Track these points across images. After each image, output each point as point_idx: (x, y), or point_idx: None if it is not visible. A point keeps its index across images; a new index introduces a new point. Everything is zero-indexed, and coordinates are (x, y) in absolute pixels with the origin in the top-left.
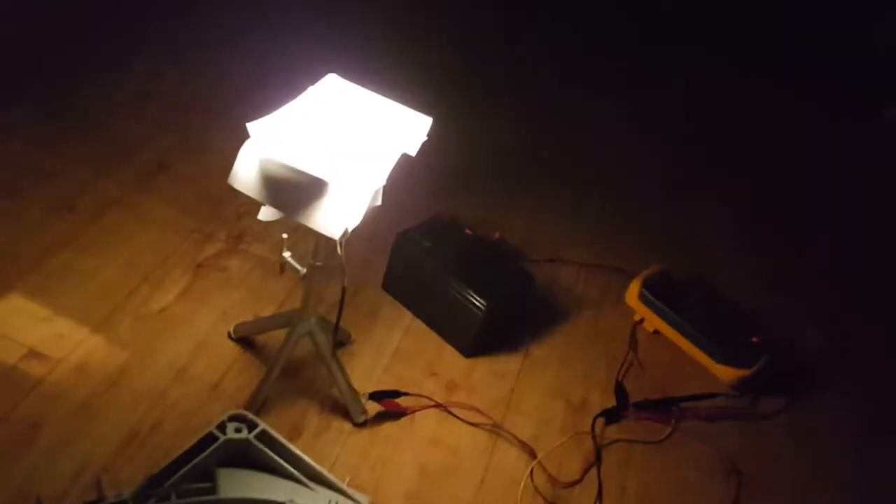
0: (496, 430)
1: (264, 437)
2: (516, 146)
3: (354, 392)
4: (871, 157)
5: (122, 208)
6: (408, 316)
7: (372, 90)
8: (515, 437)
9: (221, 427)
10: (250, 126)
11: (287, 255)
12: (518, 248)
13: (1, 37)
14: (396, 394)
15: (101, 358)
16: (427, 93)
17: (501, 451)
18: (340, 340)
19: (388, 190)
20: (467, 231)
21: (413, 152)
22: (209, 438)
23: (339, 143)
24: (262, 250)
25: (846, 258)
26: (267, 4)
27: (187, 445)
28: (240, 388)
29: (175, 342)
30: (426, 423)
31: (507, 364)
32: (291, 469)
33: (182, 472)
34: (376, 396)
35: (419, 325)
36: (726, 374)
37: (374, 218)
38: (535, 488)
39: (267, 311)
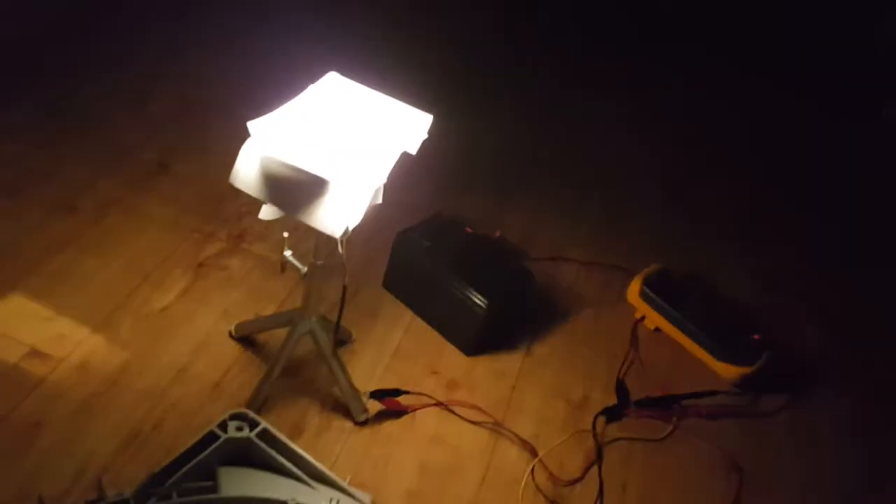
0: (497, 428)
1: (265, 435)
2: (516, 146)
3: (355, 391)
4: (871, 157)
5: (122, 208)
6: (408, 314)
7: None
8: (516, 435)
9: (223, 426)
10: (251, 124)
11: (288, 253)
12: (518, 247)
13: (1, 37)
14: (397, 392)
15: (102, 357)
16: (427, 93)
17: (502, 450)
18: (341, 339)
19: (388, 189)
20: (468, 229)
21: (413, 150)
22: (210, 437)
23: (340, 142)
24: (263, 249)
25: (846, 258)
26: (267, 4)
27: (188, 444)
28: (241, 387)
29: (176, 341)
30: (427, 421)
31: (507, 362)
32: (293, 468)
33: (183, 470)
34: (377, 395)
35: (420, 324)
36: (727, 371)
37: (375, 217)
38: (536, 486)
39: (268, 311)
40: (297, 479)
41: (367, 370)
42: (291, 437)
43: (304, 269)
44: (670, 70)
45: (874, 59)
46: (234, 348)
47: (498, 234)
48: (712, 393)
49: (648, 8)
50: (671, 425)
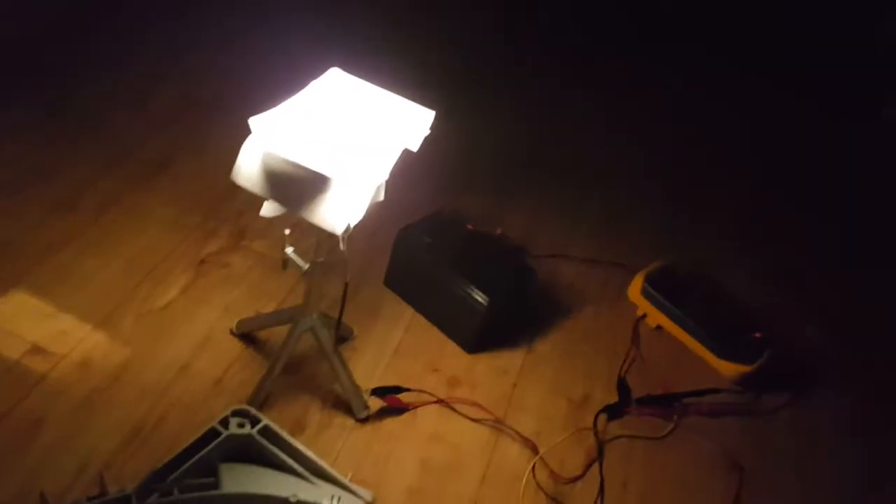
0: (498, 425)
1: (267, 432)
2: (516, 146)
3: (356, 388)
4: (871, 157)
5: (123, 206)
6: (409, 312)
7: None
8: (517, 432)
9: (224, 422)
10: (252, 121)
11: (289, 251)
12: (520, 244)
13: (1, 37)
14: (398, 389)
15: (103, 354)
16: (427, 93)
17: (503, 447)
18: (342, 336)
19: (388, 187)
20: (469, 227)
21: (415, 147)
22: (212, 434)
23: (342, 138)
24: (264, 247)
25: (846, 258)
26: (267, 4)
27: (190, 441)
28: (242, 384)
29: (177, 338)
30: (428, 418)
31: (509, 360)
32: (294, 464)
33: (185, 467)
34: (378, 392)
35: (421, 321)
36: (729, 369)
37: (376, 214)
38: (537, 484)
39: (269, 308)
40: (299, 475)
41: (368, 367)
42: (293, 434)
43: (306, 267)
44: (670, 70)
45: (874, 59)
46: (235, 345)
47: (499, 231)
48: (713, 391)
49: (648, 8)
50: (672, 423)
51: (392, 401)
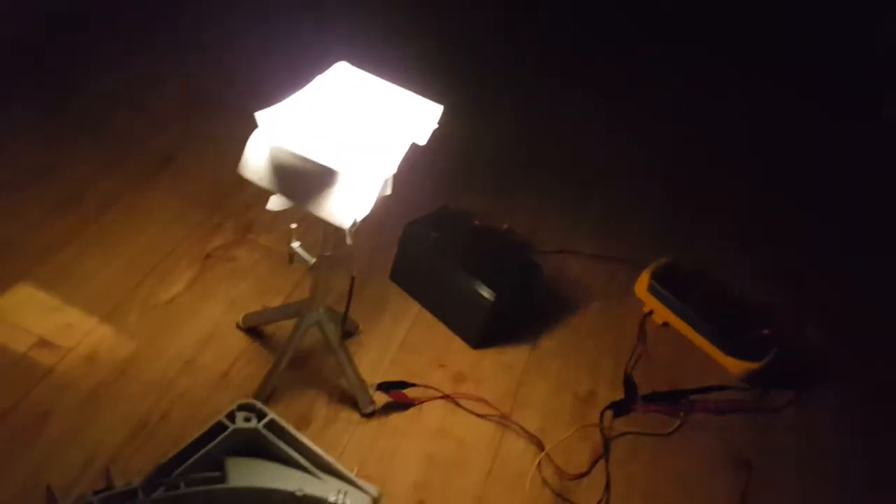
0: (504, 421)
1: (273, 426)
2: (516, 146)
3: (362, 382)
4: (871, 157)
5: (128, 201)
6: (415, 307)
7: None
8: (523, 428)
9: (230, 416)
10: (259, 114)
11: (296, 245)
12: (526, 240)
13: (1, 37)
14: (404, 384)
15: (110, 347)
16: (427, 93)
17: (509, 443)
18: (348, 331)
19: (395, 182)
20: (475, 222)
21: (423, 142)
22: (218, 427)
23: (350, 132)
24: (270, 241)
25: (846, 258)
26: (267, 4)
27: (196, 435)
28: (248, 378)
29: (183, 332)
30: (434, 414)
31: (514, 355)
32: (300, 458)
33: (191, 461)
34: (384, 387)
35: (427, 316)
36: (735, 366)
37: (382, 209)
38: (543, 480)
39: (275, 302)
40: (305, 470)
41: (373, 362)
42: (299, 429)
43: (312, 261)
44: (670, 70)
45: (874, 59)
46: (241, 339)
47: (505, 226)
48: (720, 388)
49: (648, 8)
50: (678, 420)
51: (398, 396)
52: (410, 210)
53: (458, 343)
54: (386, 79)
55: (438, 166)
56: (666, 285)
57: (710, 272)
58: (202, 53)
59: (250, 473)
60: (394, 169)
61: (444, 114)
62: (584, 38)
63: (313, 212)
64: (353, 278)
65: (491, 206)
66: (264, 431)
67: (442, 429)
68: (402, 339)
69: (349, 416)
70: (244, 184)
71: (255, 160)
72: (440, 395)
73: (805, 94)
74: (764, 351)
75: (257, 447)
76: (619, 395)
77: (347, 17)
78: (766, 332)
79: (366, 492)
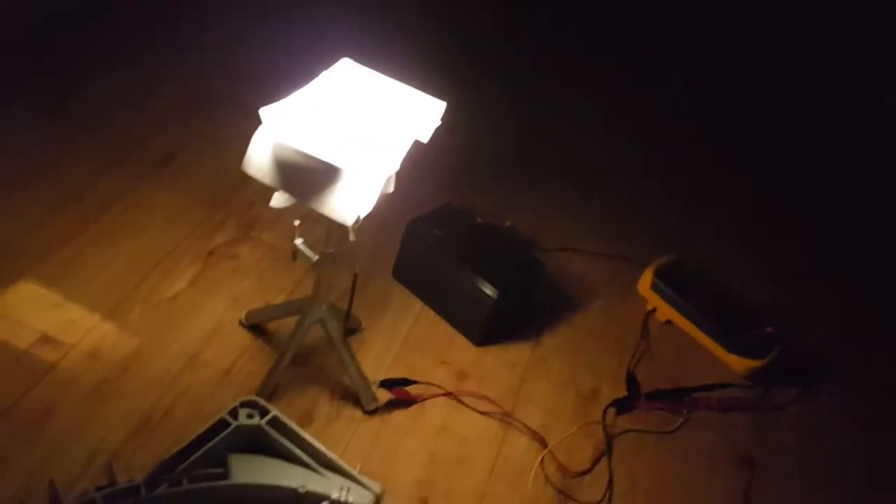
0: (506, 418)
1: (276, 423)
2: (516, 146)
3: (365, 380)
4: (871, 157)
5: (131, 198)
6: (418, 304)
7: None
8: (526, 426)
9: (233, 413)
10: (263, 111)
11: (299, 242)
12: (529, 237)
13: (1, 37)
14: (407, 382)
15: (112, 344)
16: (427, 91)
17: (511, 440)
18: (351, 328)
19: (398, 178)
20: (478, 219)
21: (426, 139)
22: (221, 424)
23: (353, 129)
24: (273, 238)
25: (846, 258)
26: (267, 3)
27: (199, 431)
28: (251, 375)
29: (186, 329)
30: (436, 411)
31: (517, 353)
32: (303, 455)
33: (194, 457)
34: (387, 384)
35: (429, 314)
36: (739, 364)
37: (384, 206)
38: (546, 477)
39: (278, 299)
40: (308, 466)
41: (376, 359)
42: (301, 426)
43: (315, 258)
44: (670, 70)
45: (874, 59)
46: (244, 336)
47: (508, 223)
48: (723, 385)
49: (648, 8)
50: (681, 418)
51: (400, 393)
52: (413, 207)
53: (460, 340)
54: (388, 76)
55: (440, 164)
56: (669, 283)
57: (713, 270)
58: (203, 53)
59: (253, 470)
60: (397, 166)
61: (446, 111)
62: (584, 38)
63: (316, 208)
64: (355, 275)
65: (491, 205)
66: (267, 428)
67: (444, 426)
68: (404, 336)
69: (352, 413)
70: (247, 181)
71: (259, 157)
72: (443, 392)
73: (805, 94)
74: (767, 349)
75: (260, 444)
76: (622, 392)
77: (348, 15)
78: (769, 329)
79: (368, 489)
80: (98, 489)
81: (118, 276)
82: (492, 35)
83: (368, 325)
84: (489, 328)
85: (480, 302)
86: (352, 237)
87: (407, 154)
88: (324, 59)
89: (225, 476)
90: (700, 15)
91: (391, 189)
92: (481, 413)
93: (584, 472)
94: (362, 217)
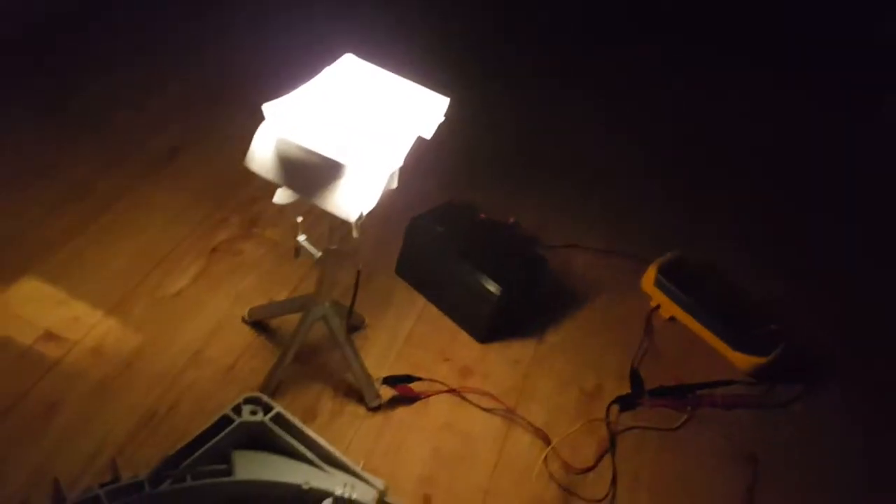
0: (510, 415)
1: (279, 419)
2: (516, 146)
3: (368, 376)
4: (871, 157)
5: (134, 195)
6: (421, 301)
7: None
8: (529, 422)
9: (237, 409)
10: (266, 107)
11: (302, 238)
12: (532, 234)
13: (1, 37)
14: (410, 378)
15: (116, 340)
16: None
17: (515, 437)
18: (354, 325)
19: (401, 175)
20: (482, 215)
21: (429, 135)
22: (225, 421)
23: (357, 124)
24: (276, 234)
25: (846, 258)
26: (267, 4)
27: (202, 428)
28: (254, 372)
29: (189, 326)
30: (440, 408)
31: (520, 350)
32: (307, 452)
33: (198, 453)
34: (390, 381)
35: (432, 311)
36: (743, 361)
37: (387, 202)
38: (549, 474)
39: (281, 295)
40: (311, 463)
41: (379, 356)
42: (304, 422)
43: (318, 254)
44: (670, 70)
45: (874, 59)
46: (247, 333)
47: (512, 220)
48: (727, 382)
49: (648, 8)
50: (685, 415)
51: (404, 390)
52: (416, 204)
53: (463, 337)
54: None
55: (440, 165)
56: (673, 280)
57: (716, 266)
58: (204, 51)
59: (256, 466)
60: (400, 162)
61: (450, 107)
62: (584, 38)
63: (319, 205)
64: (358, 272)
65: (491, 205)
66: (271, 425)
67: (448, 423)
68: (407, 333)
69: (355, 409)
70: (249, 178)
71: (262, 153)
72: (446, 389)
73: (805, 94)
74: (771, 346)
75: (263, 440)
76: (626, 389)
77: (351, 11)
78: (773, 327)
79: (372, 485)
80: (102, 485)
81: (121, 272)
82: (492, 35)
83: (371, 321)
84: (492, 325)
85: (483, 298)
86: (355, 234)
87: (410, 150)
88: (327, 55)
89: (229, 472)
90: (700, 15)
91: (394, 185)
92: (485, 410)
93: (588, 469)
94: (365, 214)
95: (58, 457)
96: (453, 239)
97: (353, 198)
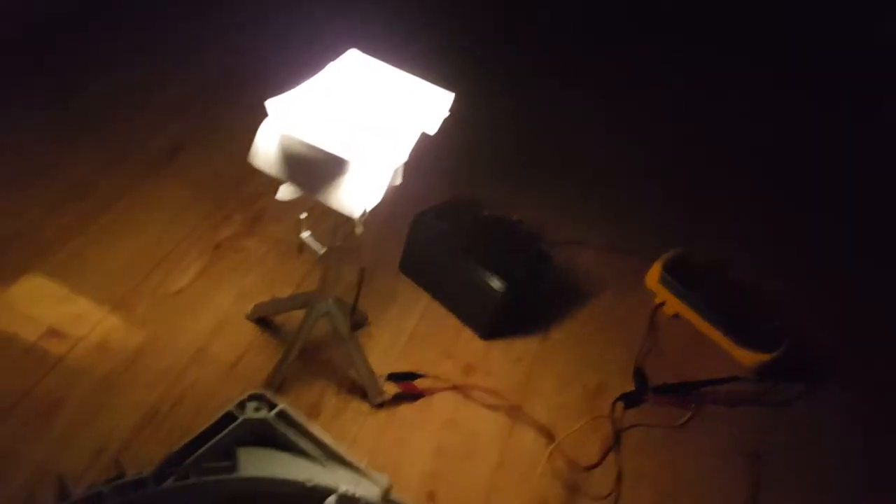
0: (513, 412)
1: (284, 416)
2: (516, 146)
3: (372, 373)
4: (871, 157)
5: (135, 194)
6: (425, 298)
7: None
8: (533, 420)
9: (241, 406)
10: (269, 102)
11: (305, 235)
12: (536, 231)
13: (1, 37)
14: (413, 376)
15: (119, 337)
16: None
17: (519, 434)
18: (357, 322)
19: (404, 171)
20: (485, 212)
21: (433, 131)
22: (228, 417)
23: (360, 120)
24: (280, 231)
25: (846, 258)
26: (267, 4)
27: (206, 424)
28: (258, 369)
29: (193, 322)
30: (443, 405)
31: (524, 347)
32: (311, 449)
33: (202, 450)
34: (394, 378)
35: (436, 308)
36: (748, 358)
37: (391, 199)
38: (553, 471)
39: (284, 292)
40: (315, 460)
41: (383, 353)
42: (308, 419)
43: (322, 251)
44: (670, 70)
45: (874, 59)
46: (250, 330)
47: (515, 217)
48: (731, 380)
49: (648, 8)
50: (689, 412)
51: (407, 387)
52: (419, 201)
53: (467, 334)
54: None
55: (442, 162)
56: (677, 277)
57: (720, 263)
58: (204, 49)
59: (261, 463)
60: (404, 158)
61: (451, 106)
62: (584, 38)
63: (323, 201)
64: (362, 269)
65: (492, 205)
66: (275, 421)
67: (452, 420)
68: (411, 330)
69: (359, 406)
70: (253, 174)
71: (265, 149)
72: (449, 386)
73: (805, 94)
74: (776, 342)
75: (267, 437)
76: (630, 386)
77: (354, 7)
78: (777, 324)
79: (376, 482)
80: (106, 482)
81: (125, 269)
82: (492, 35)
83: (375, 318)
84: (496, 322)
85: (487, 295)
86: (359, 230)
87: (414, 146)
88: (331, 50)
89: (233, 469)
90: (700, 15)
91: (398, 181)
92: (488, 407)
93: (592, 467)
94: (369, 210)
95: (62, 453)
96: (457, 235)
97: (357, 194)
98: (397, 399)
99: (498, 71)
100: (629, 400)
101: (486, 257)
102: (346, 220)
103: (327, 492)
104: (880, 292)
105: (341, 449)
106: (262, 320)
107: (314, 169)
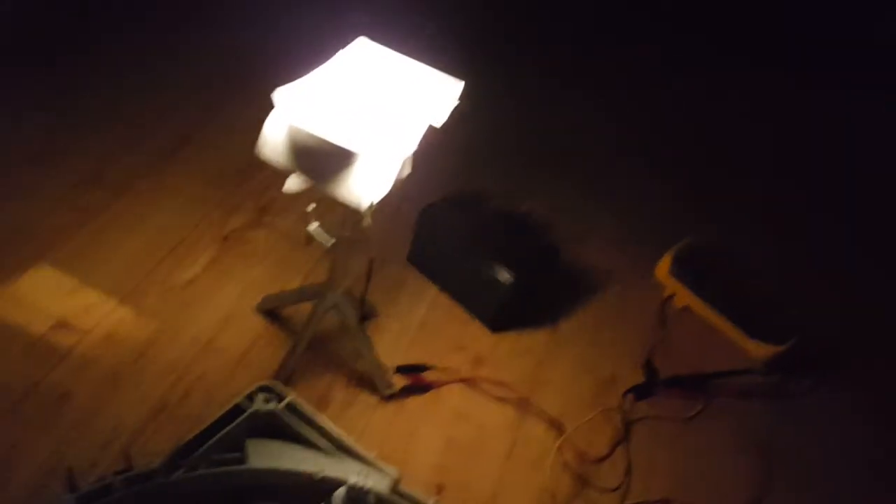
0: (522, 405)
1: (293, 408)
2: (516, 146)
3: (381, 365)
4: (872, 156)
5: (146, 183)
6: (433, 289)
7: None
8: (543, 411)
9: (250, 398)
10: (277, 93)
11: (314, 226)
12: (545, 222)
13: (15, 19)
14: (422, 368)
15: (128, 329)
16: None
17: (528, 426)
18: (366, 313)
19: (413, 163)
20: (493, 205)
21: (439, 123)
22: (238, 409)
23: (369, 111)
24: (288, 223)
25: (846, 258)
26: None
27: (215, 416)
28: (266, 361)
29: (202, 314)
30: (452, 397)
31: (533, 338)
32: (320, 440)
33: (211, 442)
34: (403, 370)
35: (445, 299)
36: (758, 349)
37: (399, 190)
38: (563, 463)
39: (293, 284)
40: (325, 451)
41: (392, 345)
42: (317, 411)
43: (330, 243)
44: (670, 70)
45: (874, 59)
46: (259, 322)
47: (524, 208)
48: (741, 372)
49: (648, 8)
50: (700, 404)
51: (416, 379)
52: (428, 192)
53: (476, 326)
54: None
55: (442, 162)
56: (687, 268)
57: (730, 255)
58: (215, 35)
59: (270, 455)
60: (413, 147)
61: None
62: (584, 38)
63: (331, 193)
64: (371, 260)
65: (496, 200)
66: (284, 413)
67: (461, 412)
68: (420, 321)
69: (367, 398)
70: (261, 166)
71: (273, 140)
72: (459, 378)
73: (805, 94)
74: (787, 334)
75: (277, 429)
76: (640, 378)
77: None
78: (788, 315)
79: (386, 474)
80: (115, 473)
81: (133, 260)
82: (492, 35)
83: (384, 310)
84: (505, 313)
85: (496, 287)
86: (366, 222)
87: (423, 138)
88: (339, 39)
89: (242, 461)
90: (700, 15)
91: (407, 172)
92: (498, 399)
93: (602, 459)
94: (376, 202)
95: (71, 445)
96: (465, 227)
97: (365, 186)
98: (406, 391)
99: (498, 71)
100: (639, 392)
101: (495, 249)
102: (354, 212)
103: (336, 484)
104: (880, 292)
105: (350, 441)
106: (271, 312)
107: (322, 160)
